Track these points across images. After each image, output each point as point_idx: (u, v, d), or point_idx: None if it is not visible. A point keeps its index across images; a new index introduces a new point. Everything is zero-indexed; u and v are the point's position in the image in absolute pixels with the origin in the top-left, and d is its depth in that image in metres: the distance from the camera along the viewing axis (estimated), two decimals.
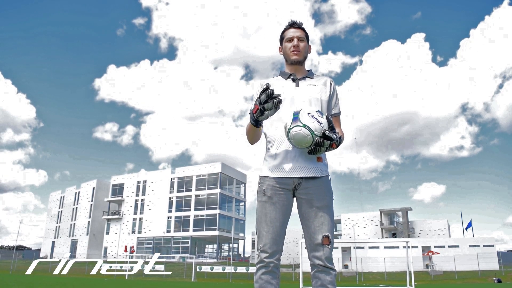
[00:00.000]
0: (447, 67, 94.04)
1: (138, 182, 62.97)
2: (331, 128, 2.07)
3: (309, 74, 2.44)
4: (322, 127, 2.04)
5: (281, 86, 2.34)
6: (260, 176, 2.33)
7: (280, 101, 1.98)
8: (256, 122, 2.10)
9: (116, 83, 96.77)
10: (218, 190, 55.22)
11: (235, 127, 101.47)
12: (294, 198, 2.31)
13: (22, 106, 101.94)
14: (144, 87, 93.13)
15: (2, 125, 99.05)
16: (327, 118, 2.09)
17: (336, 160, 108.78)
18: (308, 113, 2.05)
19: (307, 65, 2.49)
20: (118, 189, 64.61)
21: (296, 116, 2.07)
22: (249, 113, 2.14)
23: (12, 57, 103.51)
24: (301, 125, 2.02)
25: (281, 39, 2.48)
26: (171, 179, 60.14)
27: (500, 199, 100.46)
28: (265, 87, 1.98)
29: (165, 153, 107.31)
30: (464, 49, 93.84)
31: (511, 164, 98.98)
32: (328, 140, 2.04)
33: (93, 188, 67.48)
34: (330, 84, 2.42)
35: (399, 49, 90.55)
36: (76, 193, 70.99)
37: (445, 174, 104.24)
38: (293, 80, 2.38)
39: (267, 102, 1.98)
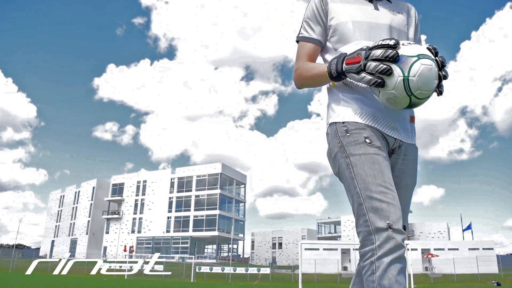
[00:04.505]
0: (447, 69, 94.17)
1: (138, 182, 63.00)
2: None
3: None
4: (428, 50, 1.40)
5: (355, 8, 1.63)
6: (349, 121, 1.51)
7: (389, 72, 1.32)
8: (340, 76, 1.44)
9: (115, 83, 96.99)
10: (218, 191, 55.25)
11: (235, 128, 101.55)
12: None
13: (23, 105, 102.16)
14: (144, 87, 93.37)
15: (3, 124, 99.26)
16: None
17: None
18: (403, 44, 1.37)
19: None
20: (118, 189, 64.65)
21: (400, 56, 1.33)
22: (335, 61, 1.45)
23: (13, 56, 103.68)
24: (414, 55, 1.33)
25: None
26: (171, 179, 60.17)
27: (499, 202, 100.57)
28: (393, 43, 1.33)
29: (164, 153, 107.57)
30: (464, 51, 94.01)
31: (510, 167, 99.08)
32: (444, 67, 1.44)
33: (93, 188, 67.52)
34: (415, 14, 1.79)
35: None
36: (76, 192, 71.02)
37: (444, 177, 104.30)
38: (370, 0, 1.67)
39: (376, 67, 1.32)
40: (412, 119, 1.63)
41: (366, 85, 1.47)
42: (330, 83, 1.59)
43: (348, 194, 1.48)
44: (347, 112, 1.53)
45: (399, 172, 1.58)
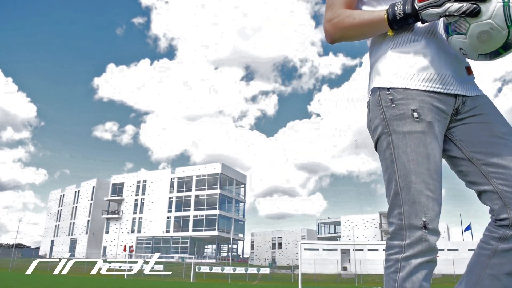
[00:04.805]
0: None
1: (138, 182, 63.03)
2: None
3: None
4: None
5: None
6: (397, 88, 1.24)
7: (477, 12, 1.07)
8: (406, 19, 1.18)
9: (115, 83, 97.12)
10: (218, 191, 55.27)
11: (235, 128, 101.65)
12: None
13: (23, 104, 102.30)
14: (144, 87, 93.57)
15: (3, 124, 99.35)
16: None
17: (335, 162, 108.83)
18: None
19: None
20: (118, 189, 64.68)
21: None
22: (401, 2, 1.19)
23: (13, 55, 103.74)
24: None
25: None
26: (171, 179, 60.20)
27: None
28: None
29: (164, 153, 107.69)
30: None
31: None
32: None
33: (93, 187, 67.55)
34: None
35: None
36: (76, 192, 71.05)
37: (444, 177, 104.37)
38: None
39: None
40: (469, 70, 1.34)
41: (447, 21, 1.16)
42: (387, 32, 1.25)
43: (384, 175, 1.26)
44: (395, 75, 1.24)
45: (481, 124, 1.27)
